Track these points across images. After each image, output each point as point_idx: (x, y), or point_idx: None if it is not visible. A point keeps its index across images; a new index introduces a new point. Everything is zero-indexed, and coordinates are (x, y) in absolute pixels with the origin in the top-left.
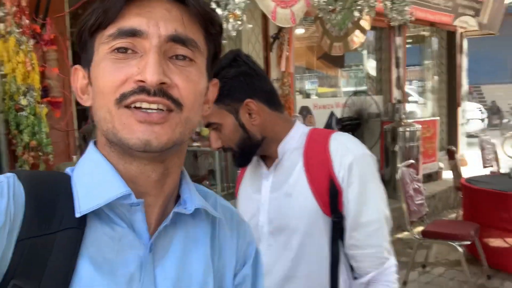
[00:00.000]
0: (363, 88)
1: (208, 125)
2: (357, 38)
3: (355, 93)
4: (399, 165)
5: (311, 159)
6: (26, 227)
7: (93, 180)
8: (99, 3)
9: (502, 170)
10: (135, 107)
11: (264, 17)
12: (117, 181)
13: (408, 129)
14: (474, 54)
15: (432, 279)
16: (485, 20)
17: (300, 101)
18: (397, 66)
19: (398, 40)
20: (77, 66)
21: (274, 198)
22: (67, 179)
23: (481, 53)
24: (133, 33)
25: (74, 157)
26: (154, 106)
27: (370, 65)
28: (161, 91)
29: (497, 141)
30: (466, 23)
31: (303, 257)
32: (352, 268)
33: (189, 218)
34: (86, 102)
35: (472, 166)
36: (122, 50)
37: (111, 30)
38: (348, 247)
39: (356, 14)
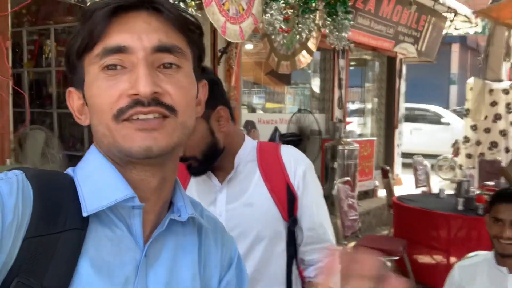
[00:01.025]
0: (308, 106)
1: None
2: (304, 58)
3: (299, 110)
4: (336, 181)
5: (267, 169)
6: (33, 226)
7: (99, 182)
8: (82, 25)
9: (434, 191)
10: (133, 119)
11: (213, 31)
12: (122, 183)
13: (347, 147)
14: (413, 79)
15: None
16: (423, 48)
17: (245, 115)
18: (340, 86)
19: (342, 62)
20: (70, 88)
21: (232, 209)
22: (70, 180)
23: (420, 78)
24: (119, 50)
25: (8, 160)
26: (150, 116)
27: (315, 84)
28: (155, 100)
29: (430, 163)
30: (406, 50)
31: (267, 261)
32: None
33: (179, 226)
34: (84, 122)
35: (407, 186)
36: (112, 67)
37: (98, 49)
38: (304, 245)
39: (298, 37)
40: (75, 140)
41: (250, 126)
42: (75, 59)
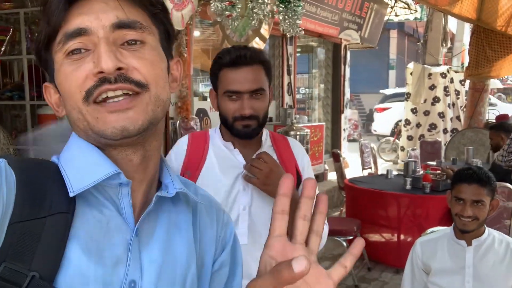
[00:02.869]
0: None
1: (255, 91)
2: (257, 45)
3: None
4: None
5: (282, 154)
6: (17, 211)
7: (82, 162)
8: (43, 16)
9: (380, 172)
10: (103, 100)
11: None
12: (106, 161)
13: (298, 133)
14: (354, 64)
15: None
16: (366, 34)
17: (197, 104)
18: (289, 73)
19: (290, 48)
20: (46, 83)
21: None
22: (54, 166)
23: (361, 64)
24: (79, 33)
25: None
26: (119, 92)
27: None
28: (121, 76)
29: (374, 145)
30: (350, 36)
31: None
32: None
33: (171, 204)
34: (62, 113)
35: (352, 168)
36: (76, 51)
37: (59, 36)
38: None
39: (253, 22)
40: (18, 133)
41: (202, 114)
42: (43, 52)
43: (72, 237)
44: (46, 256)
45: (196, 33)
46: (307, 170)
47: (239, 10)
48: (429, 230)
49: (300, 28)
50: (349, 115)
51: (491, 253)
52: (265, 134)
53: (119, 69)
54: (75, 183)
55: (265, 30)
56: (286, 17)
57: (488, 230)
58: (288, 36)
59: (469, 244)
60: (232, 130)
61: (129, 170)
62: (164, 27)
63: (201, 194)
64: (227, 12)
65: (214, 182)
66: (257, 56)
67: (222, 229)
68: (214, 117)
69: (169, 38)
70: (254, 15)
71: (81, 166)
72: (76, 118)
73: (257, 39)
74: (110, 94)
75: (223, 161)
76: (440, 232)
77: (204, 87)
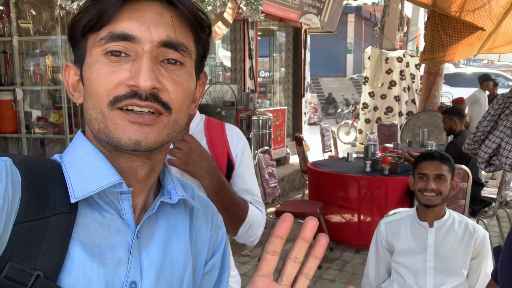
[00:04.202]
0: (219, 77)
1: None
2: (220, 30)
3: (215, 82)
4: (255, 151)
5: (213, 140)
6: (23, 211)
7: (86, 168)
8: (92, 3)
9: (341, 155)
10: (127, 109)
11: None
12: (109, 170)
13: (261, 117)
14: (313, 49)
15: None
16: (326, 19)
17: None
18: (250, 57)
19: (251, 32)
20: (68, 63)
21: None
22: (58, 166)
23: (319, 48)
24: (125, 38)
25: None
26: (145, 110)
27: (223, 55)
28: (153, 95)
29: (333, 128)
30: (310, 21)
31: None
32: None
33: (170, 207)
34: (77, 99)
35: (314, 151)
36: (116, 53)
37: (104, 33)
38: None
39: (209, 8)
40: None
41: None
42: (79, 35)
43: (74, 237)
44: (50, 255)
45: None
46: (243, 157)
47: None
48: (392, 211)
49: (261, 14)
50: (309, 98)
51: (451, 233)
52: (198, 119)
53: (153, 88)
54: (77, 189)
55: (228, 15)
56: (249, 2)
57: (449, 211)
58: (250, 21)
59: (431, 225)
60: None
61: (132, 180)
62: (203, 50)
63: (198, 195)
64: None
65: None
66: None
67: (215, 232)
68: None
69: (203, 59)
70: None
71: (85, 171)
72: (94, 117)
73: (219, 23)
74: (136, 109)
75: None
76: (403, 214)
77: None
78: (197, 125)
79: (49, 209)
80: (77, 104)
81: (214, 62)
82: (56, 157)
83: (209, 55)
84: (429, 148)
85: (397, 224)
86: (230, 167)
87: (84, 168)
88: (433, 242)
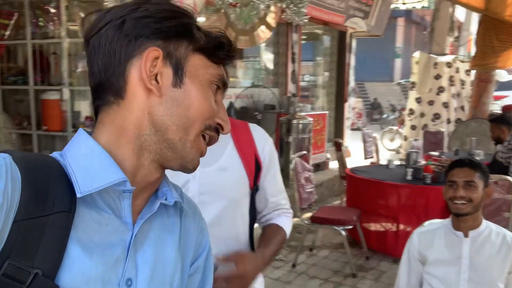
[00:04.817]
0: (261, 80)
1: None
2: (263, 33)
3: (255, 85)
4: (292, 155)
5: (239, 141)
6: (22, 209)
7: (91, 165)
8: (219, 36)
9: (382, 162)
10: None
11: None
12: (114, 167)
13: (301, 121)
14: (359, 53)
15: (318, 261)
16: (372, 22)
17: None
18: (293, 61)
19: (295, 36)
20: (157, 48)
21: (206, 172)
22: (57, 164)
23: (366, 52)
24: (224, 84)
25: None
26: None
27: (267, 58)
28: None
29: (377, 134)
30: (356, 24)
31: (237, 222)
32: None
33: (163, 208)
34: (156, 90)
35: (355, 157)
36: (213, 88)
37: (219, 71)
38: (268, 210)
39: (254, 12)
40: (21, 118)
41: None
42: (184, 38)
43: (72, 236)
44: (49, 253)
45: (202, 19)
46: (271, 159)
47: None
48: (427, 222)
49: (305, 16)
50: (353, 103)
51: (488, 245)
52: None
53: None
54: (83, 184)
55: (271, 19)
56: (291, 5)
57: (485, 222)
58: (293, 24)
59: (466, 235)
60: None
61: (141, 181)
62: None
63: (186, 198)
64: (230, 0)
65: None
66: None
67: (200, 234)
68: None
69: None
70: (257, 3)
71: (90, 168)
72: (179, 135)
73: (263, 27)
74: (207, 138)
75: None
76: (438, 224)
77: None
78: None
79: (48, 207)
80: None
81: (258, 65)
82: (55, 154)
83: (254, 58)
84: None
85: (431, 234)
86: (257, 167)
87: (89, 165)
88: (468, 252)
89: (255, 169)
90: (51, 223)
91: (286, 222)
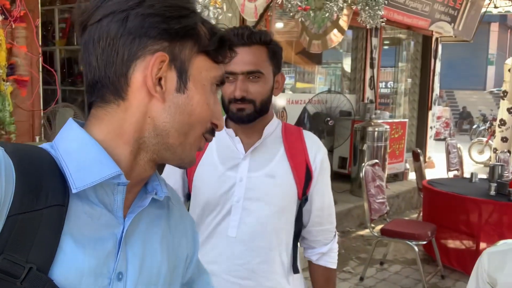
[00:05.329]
0: (338, 86)
1: (250, 73)
2: (335, 37)
3: (329, 90)
4: (364, 164)
5: (291, 148)
6: (17, 203)
7: (84, 158)
8: (223, 37)
9: (466, 175)
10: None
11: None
12: (109, 161)
13: (377, 129)
14: (449, 59)
15: (388, 276)
16: (460, 27)
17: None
18: (372, 66)
19: (375, 41)
20: (164, 54)
21: (254, 177)
22: (49, 156)
23: (455, 58)
24: (222, 82)
25: (37, 137)
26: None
27: (347, 64)
28: None
29: (464, 145)
30: (442, 29)
31: (281, 232)
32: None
33: (152, 202)
34: (160, 96)
35: (438, 169)
36: (215, 89)
37: (220, 71)
38: (311, 224)
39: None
40: None
41: (277, 106)
42: (190, 40)
43: (66, 229)
44: (43, 248)
45: (280, 25)
46: (322, 169)
47: (315, 2)
48: (501, 242)
49: (381, 19)
50: (439, 112)
51: None
52: (275, 124)
53: None
54: (78, 179)
55: (343, 22)
56: (367, 7)
57: None
58: (368, 27)
59: None
60: (228, 113)
61: (137, 178)
62: None
63: (170, 189)
64: (299, 3)
65: (211, 170)
66: (258, 36)
67: (192, 225)
68: (291, 109)
69: None
70: (330, 6)
71: (84, 162)
72: (179, 133)
73: (335, 30)
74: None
75: (222, 149)
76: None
77: (288, 79)
78: (274, 131)
79: (42, 201)
80: None
81: (338, 71)
82: (46, 145)
83: (334, 64)
84: None
85: (503, 255)
86: (308, 177)
87: (83, 159)
88: None
89: (305, 178)
90: (45, 217)
91: (333, 256)
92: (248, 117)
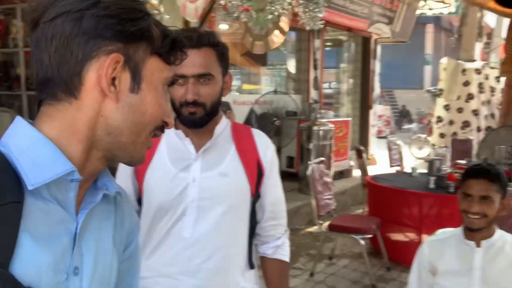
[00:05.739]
0: (284, 87)
1: (201, 76)
2: (277, 38)
3: (275, 91)
4: (310, 162)
5: (241, 146)
6: None
7: (38, 155)
8: (175, 37)
9: (406, 170)
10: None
11: None
12: (62, 158)
13: (322, 128)
14: (388, 60)
15: (337, 270)
16: (397, 28)
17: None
18: (315, 67)
19: (317, 42)
20: (119, 55)
21: (206, 177)
22: (0, 154)
23: (395, 59)
24: (173, 83)
25: None
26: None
27: (291, 65)
28: None
29: (404, 142)
30: (380, 30)
31: (236, 230)
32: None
33: (102, 197)
34: (113, 96)
35: (381, 165)
36: (166, 89)
37: (171, 72)
38: (265, 220)
39: (270, 17)
40: None
41: (225, 108)
42: (143, 41)
43: (23, 226)
44: (2, 245)
45: (224, 26)
46: (272, 166)
47: (257, 3)
48: (440, 230)
49: (321, 21)
50: (380, 111)
51: (502, 256)
52: (224, 124)
53: None
54: (33, 176)
55: (284, 23)
56: (307, 9)
57: (500, 232)
58: (307, 28)
59: (478, 245)
60: (179, 116)
61: (90, 172)
62: None
63: (118, 184)
64: (239, 3)
65: (163, 173)
66: (207, 38)
67: (132, 220)
68: (238, 110)
69: None
70: (273, 8)
71: (37, 159)
72: (130, 133)
73: (276, 32)
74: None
75: (173, 151)
76: (449, 233)
77: (234, 81)
78: (223, 130)
79: (0, 198)
80: None
81: (283, 72)
82: None
83: (279, 65)
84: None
85: (442, 243)
86: (260, 174)
87: (36, 156)
88: (480, 263)
89: (257, 176)
90: (2, 214)
91: (286, 249)
92: (201, 120)
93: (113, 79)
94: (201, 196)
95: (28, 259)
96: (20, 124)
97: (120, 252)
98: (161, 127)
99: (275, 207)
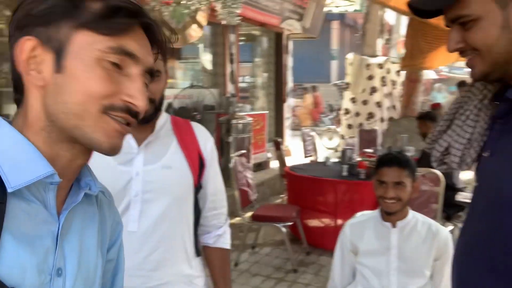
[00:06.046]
0: (200, 81)
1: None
2: (195, 32)
3: (192, 85)
4: (232, 155)
5: (183, 138)
6: None
7: (17, 157)
8: (109, 5)
9: (320, 159)
10: (113, 116)
11: None
12: (42, 160)
13: (240, 121)
14: (299, 54)
15: (260, 259)
16: (307, 24)
17: None
18: (231, 61)
19: (232, 37)
20: (30, 37)
21: (150, 170)
22: None
23: (304, 54)
24: (130, 55)
25: None
26: (124, 121)
27: (206, 59)
28: (137, 114)
29: (316, 133)
30: (292, 26)
31: (181, 221)
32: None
33: (84, 197)
34: (37, 81)
35: (296, 156)
36: (116, 65)
37: (113, 43)
38: (207, 209)
39: (186, 11)
40: None
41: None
42: (64, 18)
43: (5, 227)
44: None
45: None
46: (212, 157)
47: None
48: (359, 213)
49: (238, 17)
50: (291, 103)
51: (414, 234)
52: (164, 118)
53: None
54: (12, 178)
55: (202, 17)
56: (225, 4)
57: (412, 213)
58: (225, 23)
59: (394, 226)
60: None
61: (68, 170)
62: None
63: (100, 183)
64: None
65: (101, 168)
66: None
67: (115, 221)
68: None
69: None
70: (190, 2)
71: (17, 161)
72: (74, 113)
73: (194, 26)
74: (121, 120)
75: None
76: (368, 215)
77: None
78: (164, 124)
79: None
80: None
81: (197, 66)
82: None
83: (193, 59)
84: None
85: (362, 225)
86: (201, 165)
87: (16, 158)
88: (396, 242)
89: (199, 167)
90: None
91: (227, 237)
92: (151, 116)
93: (34, 64)
94: (145, 189)
95: (11, 260)
96: (0, 124)
97: (104, 252)
98: (123, 109)
99: (215, 196)
